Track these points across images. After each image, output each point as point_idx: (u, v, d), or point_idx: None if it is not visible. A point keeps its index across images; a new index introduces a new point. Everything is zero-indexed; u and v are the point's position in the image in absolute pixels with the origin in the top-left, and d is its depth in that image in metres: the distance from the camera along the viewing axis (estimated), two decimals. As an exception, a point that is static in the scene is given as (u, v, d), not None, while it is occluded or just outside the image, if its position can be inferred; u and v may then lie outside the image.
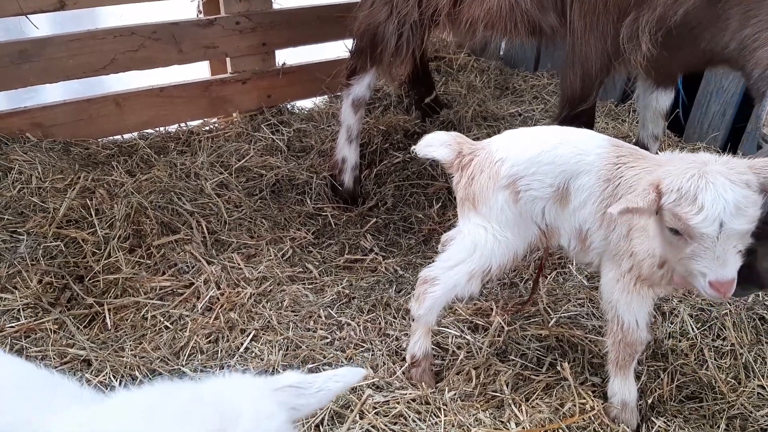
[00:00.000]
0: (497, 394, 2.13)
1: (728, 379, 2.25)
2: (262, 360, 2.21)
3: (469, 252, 2.04)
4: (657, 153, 3.11)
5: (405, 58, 2.88)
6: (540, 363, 2.30)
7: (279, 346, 2.27)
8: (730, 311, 2.48)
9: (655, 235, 1.80)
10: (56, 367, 2.09)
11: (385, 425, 1.98)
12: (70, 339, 2.19)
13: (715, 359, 2.33)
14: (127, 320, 2.32)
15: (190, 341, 2.25)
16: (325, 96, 3.87)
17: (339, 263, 2.79)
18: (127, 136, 3.43)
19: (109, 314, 2.31)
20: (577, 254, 2.08)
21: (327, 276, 2.69)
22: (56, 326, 2.23)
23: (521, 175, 1.95)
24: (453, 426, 1.99)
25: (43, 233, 2.52)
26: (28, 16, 2.94)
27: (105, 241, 2.58)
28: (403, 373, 2.23)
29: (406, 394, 2.13)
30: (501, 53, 4.53)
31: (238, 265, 2.59)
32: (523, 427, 2.00)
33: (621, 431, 2.01)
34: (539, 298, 2.52)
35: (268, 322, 2.37)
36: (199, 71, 3.70)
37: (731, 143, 3.57)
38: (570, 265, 2.72)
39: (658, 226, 1.75)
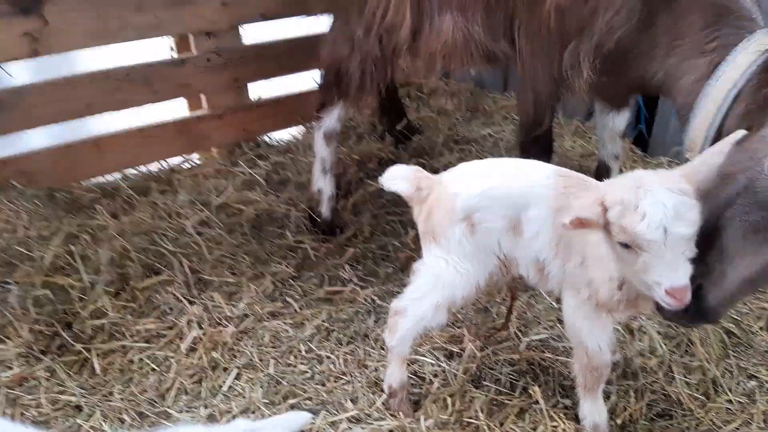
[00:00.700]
0: (473, 421, 2.23)
1: (697, 395, 2.35)
2: (244, 398, 2.30)
3: (433, 284, 2.14)
4: (621, 170, 3.26)
5: (370, 92, 2.99)
6: (513, 387, 2.41)
7: (260, 384, 2.37)
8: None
9: (610, 256, 1.90)
10: (49, 415, 2.18)
11: (364, 458, 2.08)
12: (61, 386, 2.28)
13: (684, 376, 2.43)
14: (114, 364, 2.41)
15: (174, 383, 2.34)
16: (301, 126, 3.98)
17: (319, 296, 2.88)
18: (109, 177, 3.52)
19: (97, 359, 2.40)
20: (538, 283, 2.17)
21: (307, 309, 2.79)
22: (48, 374, 2.31)
23: (476, 209, 2.05)
24: (429, 455, 2.09)
25: (32, 282, 2.60)
26: (1, 65, 3.04)
27: (91, 287, 2.66)
28: (383, 403, 2.34)
29: (384, 425, 2.23)
30: (472, 73, 4.66)
31: (220, 303, 2.69)
32: (496, 453, 2.10)
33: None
34: (510, 322, 2.63)
35: (250, 359, 2.47)
36: (177, 108, 3.80)
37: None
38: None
39: (609, 244, 1.85)
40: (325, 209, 3.28)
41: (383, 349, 2.55)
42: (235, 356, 2.50)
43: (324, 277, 2.99)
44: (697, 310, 1.81)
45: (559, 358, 2.48)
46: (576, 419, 2.20)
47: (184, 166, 3.69)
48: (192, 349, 2.50)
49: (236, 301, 2.75)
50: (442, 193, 2.10)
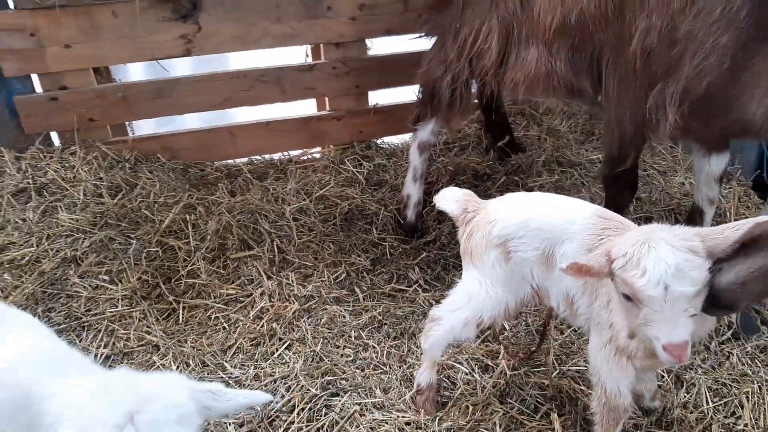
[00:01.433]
0: (487, 432, 2.33)
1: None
2: (287, 366, 2.61)
3: (465, 301, 2.28)
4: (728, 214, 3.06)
5: (459, 111, 3.17)
6: (536, 410, 2.45)
7: (306, 357, 2.66)
8: (752, 390, 2.43)
9: (617, 306, 1.92)
10: (133, 348, 2.67)
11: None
12: (148, 328, 2.76)
13: (721, 437, 2.31)
14: (195, 318, 2.86)
15: (237, 342, 2.72)
16: (411, 134, 4.21)
17: (384, 290, 3.12)
18: (238, 160, 4.05)
19: (183, 312, 2.86)
20: (568, 317, 2.22)
21: (369, 301, 3.04)
22: (142, 316, 2.82)
23: (511, 237, 2.15)
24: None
25: (149, 240, 3.15)
26: (159, 61, 3.65)
27: (194, 251, 3.15)
28: (411, 398, 2.51)
29: (402, 417, 2.41)
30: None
31: (291, 282, 3.03)
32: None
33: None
34: (549, 348, 2.65)
35: (304, 335, 2.78)
36: (304, 108, 4.24)
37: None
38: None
39: (616, 295, 1.87)
40: (410, 213, 3.50)
41: (424, 350, 2.71)
42: (292, 330, 2.82)
43: (394, 275, 3.21)
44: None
45: (589, 391, 2.46)
46: (590, 455, 2.21)
47: (302, 159, 4.11)
48: (258, 317, 2.86)
49: (308, 283, 3.07)
50: (484, 218, 2.23)
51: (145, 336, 2.72)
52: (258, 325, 2.82)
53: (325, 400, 2.48)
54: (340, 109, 4.11)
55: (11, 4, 3.33)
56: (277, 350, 2.70)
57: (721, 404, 2.41)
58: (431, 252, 3.35)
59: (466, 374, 2.62)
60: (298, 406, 2.44)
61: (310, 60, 4.03)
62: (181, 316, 2.84)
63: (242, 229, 3.33)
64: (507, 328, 2.83)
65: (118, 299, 2.86)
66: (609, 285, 1.97)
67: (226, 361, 2.64)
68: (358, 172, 3.87)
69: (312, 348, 2.71)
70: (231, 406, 1.45)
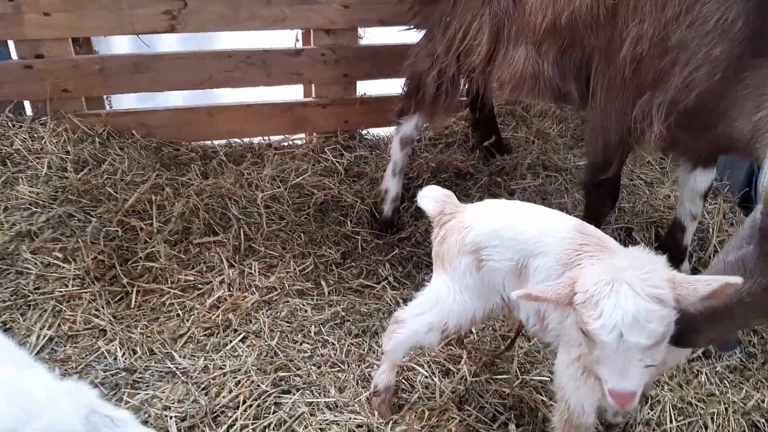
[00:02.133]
0: (441, 439, 2.22)
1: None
2: (239, 359, 2.49)
3: (432, 305, 2.18)
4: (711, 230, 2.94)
5: (444, 107, 3.06)
6: (494, 419, 2.34)
7: (260, 351, 2.54)
8: (718, 411, 2.32)
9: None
10: (79, 331, 2.55)
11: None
12: (97, 311, 2.64)
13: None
14: (149, 303, 2.73)
15: (188, 331, 2.60)
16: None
17: (352, 285, 2.99)
18: (216, 142, 3.92)
19: (136, 296, 2.74)
20: (538, 332, 2.11)
21: (335, 295, 2.92)
22: (92, 298, 2.69)
23: (485, 245, 2.03)
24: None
25: (110, 219, 3.02)
26: (140, 36, 3.52)
27: (157, 233, 3.03)
28: (366, 399, 2.39)
29: (354, 419, 2.29)
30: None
31: (255, 272, 2.91)
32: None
33: None
34: (513, 356, 2.53)
35: (260, 328, 2.66)
36: (289, 93, 4.11)
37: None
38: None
39: (576, 323, 1.76)
40: (387, 208, 3.37)
41: (384, 350, 2.60)
42: (249, 321, 2.70)
43: (363, 270, 3.09)
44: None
45: (550, 403, 2.34)
46: (546, 470, 2.10)
47: (282, 145, 3.98)
48: (215, 306, 2.74)
49: (271, 273, 2.95)
50: (459, 222, 2.12)
51: (93, 319, 2.59)
52: (213, 314, 2.70)
53: (275, 397, 2.36)
54: (326, 97, 3.98)
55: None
56: (230, 342, 2.58)
57: (684, 423, 2.30)
58: (404, 249, 3.23)
59: (426, 377, 2.50)
60: (245, 402, 2.32)
61: (300, 45, 3.90)
62: (133, 301, 2.72)
63: (209, 213, 3.20)
64: (473, 332, 2.70)
65: (69, 279, 2.73)
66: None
67: (176, 351, 2.52)
68: (338, 162, 3.75)
69: (267, 342, 2.59)
70: None
